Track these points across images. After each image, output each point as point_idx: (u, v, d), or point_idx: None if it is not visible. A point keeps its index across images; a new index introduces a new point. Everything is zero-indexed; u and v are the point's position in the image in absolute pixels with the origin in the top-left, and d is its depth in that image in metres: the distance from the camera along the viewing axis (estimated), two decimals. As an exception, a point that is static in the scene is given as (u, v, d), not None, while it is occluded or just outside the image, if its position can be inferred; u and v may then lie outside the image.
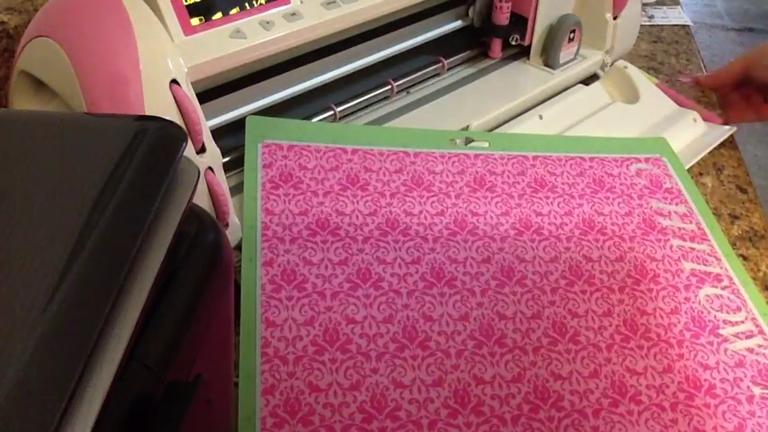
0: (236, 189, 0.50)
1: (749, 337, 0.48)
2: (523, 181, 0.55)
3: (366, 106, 0.61)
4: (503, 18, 0.67)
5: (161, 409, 0.24)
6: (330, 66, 0.58)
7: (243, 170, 0.50)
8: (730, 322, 0.49)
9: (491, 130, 0.62)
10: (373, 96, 0.61)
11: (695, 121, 0.68)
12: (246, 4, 0.49)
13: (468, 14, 0.68)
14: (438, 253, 0.49)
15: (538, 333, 0.46)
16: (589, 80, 0.72)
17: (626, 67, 0.70)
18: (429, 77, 0.66)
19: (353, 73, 0.60)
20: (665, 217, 0.55)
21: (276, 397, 0.40)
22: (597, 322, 0.47)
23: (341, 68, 0.59)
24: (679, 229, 0.55)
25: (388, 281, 0.47)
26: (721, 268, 0.52)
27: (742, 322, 0.49)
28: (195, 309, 0.28)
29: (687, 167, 0.62)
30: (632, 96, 0.69)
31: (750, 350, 0.47)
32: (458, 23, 0.67)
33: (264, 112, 0.54)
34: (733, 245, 0.58)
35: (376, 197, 0.51)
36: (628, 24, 0.72)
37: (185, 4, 0.46)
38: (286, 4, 0.51)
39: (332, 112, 0.58)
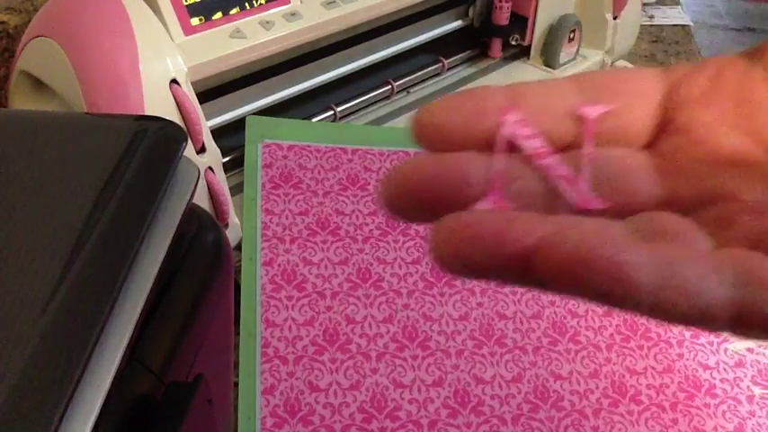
0: (236, 189, 0.50)
1: (749, 337, 0.48)
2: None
3: (366, 106, 0.61)
4: (503, 18, 0.67)
5: (161, 409, 0.24)
6: (330, 66, 0.58)
7: (243, 170, 0.50)
8: (730, 322, 0.49)
9: (491, 130, 0.62)
10: (373, 96, 0.61)
11: (695, 120, 0.68)
12: (246, 4, 0.49)
13: (468, 14, 0.68)
14: (438, 253, 0.49)
15: (538, 333, 0.46)
16: (589, 80, 0.71)
17: (626, 68, 0.70)
18: (429, 77, 0.66)
19: (353, 73, 0.60)
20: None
21: (276, 397, 0.40)
22: (597, 322, 0.47)
23: (341, 68, 0.58)
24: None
25: (388, 281, 0.46)
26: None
27: (742, 322, 0.49)
28: (195, 309, 0.28)
29: (687, 167, 0.62)
30: (632, 96, 0.69)
31: (750, 350, 0.47)
32: (458, 23, 0.67)
33: (264, 112, 0.54)
34: (733, 245, 0.57)
35: (376, 197, 0.51)
36: (628, 24, 0.72)
37: (185, 4, 0.46)
38: (286, 4, 0.51)
39: (332, 112, 0.58)
